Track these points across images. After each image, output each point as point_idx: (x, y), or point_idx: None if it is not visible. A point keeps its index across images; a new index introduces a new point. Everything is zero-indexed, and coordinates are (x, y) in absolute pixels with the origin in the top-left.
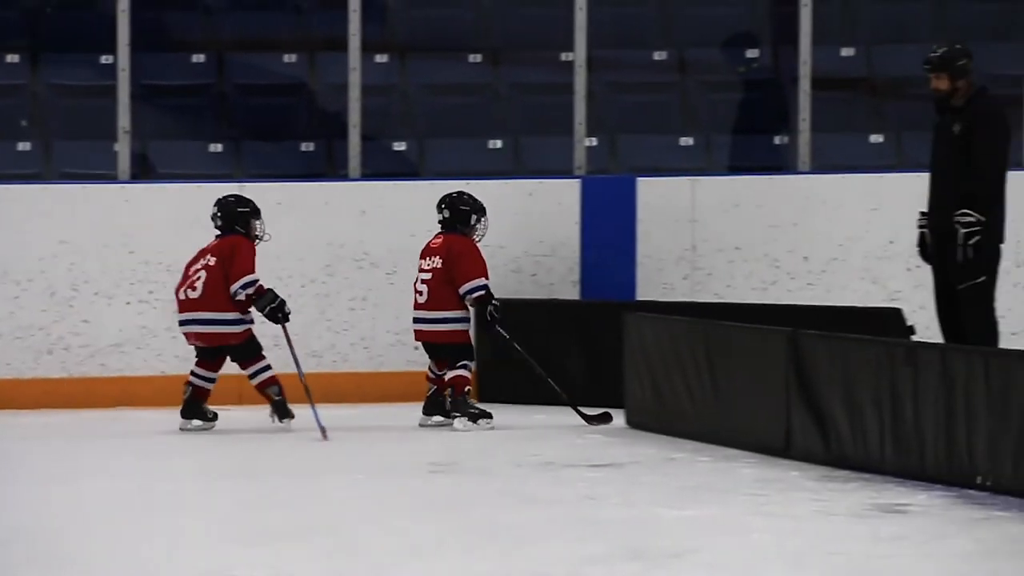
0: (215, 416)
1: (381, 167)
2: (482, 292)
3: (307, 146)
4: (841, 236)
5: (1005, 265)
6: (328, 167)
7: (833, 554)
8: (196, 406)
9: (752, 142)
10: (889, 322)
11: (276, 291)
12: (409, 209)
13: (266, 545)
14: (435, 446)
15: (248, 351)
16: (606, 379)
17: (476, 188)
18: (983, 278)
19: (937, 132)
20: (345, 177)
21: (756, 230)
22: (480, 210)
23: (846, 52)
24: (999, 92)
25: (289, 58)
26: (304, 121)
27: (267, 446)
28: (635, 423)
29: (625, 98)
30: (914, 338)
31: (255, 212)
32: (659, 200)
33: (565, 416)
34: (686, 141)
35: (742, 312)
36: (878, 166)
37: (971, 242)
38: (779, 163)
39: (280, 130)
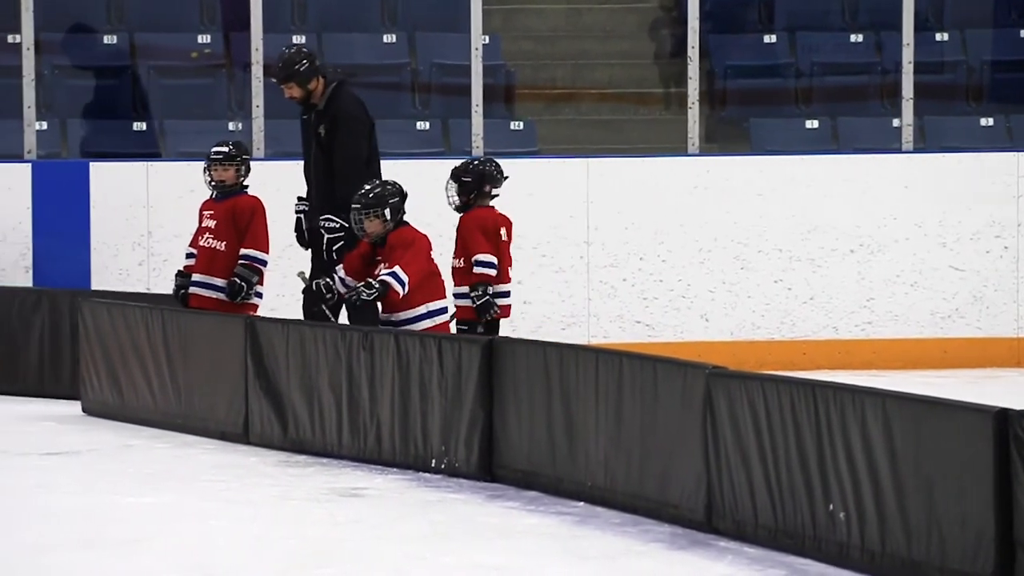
0: None
1: None
2: None
3: None
4: None
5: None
6: None
7: (291, 539)
8: None
9: (203, 127)
10: None
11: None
12: None
13: None
14: None
15: None
16: (62, 367)
17: None
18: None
19: (304, 131)
20: None
21: None
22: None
23: (297, 39)
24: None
25: None
26: None
27: None
28: (92, 410)
29: (75, 82)
30: None
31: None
32: (114, 185)
33: (19, 405)
34: (139, 126)
35: None
36: None
37: (335, 247)
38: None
39: None
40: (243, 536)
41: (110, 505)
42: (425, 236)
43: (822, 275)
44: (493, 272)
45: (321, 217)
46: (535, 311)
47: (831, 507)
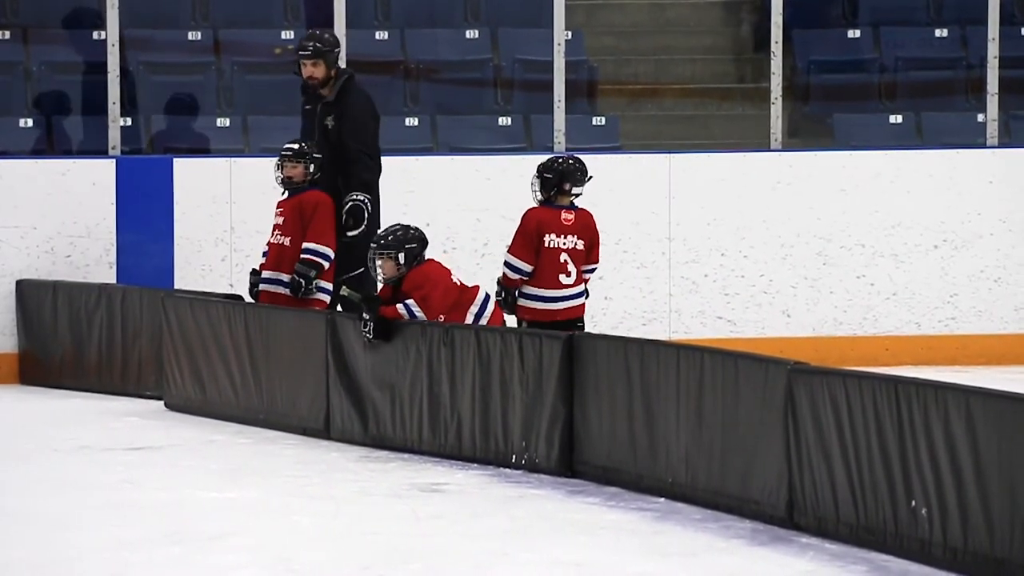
0: None
1: None
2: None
3: None
4: None
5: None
6: None
7: (372, 534)
8: None
9: (286, 123)
10: None
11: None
12: None
13: None
14: None
15: None
16: (145, 361)
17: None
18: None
19: (306, 122)
20: None
21: None
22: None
23: (380, 35)
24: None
25: None
26: None
27: None
28: (175, 406)
29: (160, 78)
30: None
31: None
32: (197, 181)
33: (103, 402)
34: (223, 122)
35: None
36: (417, 149)
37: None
38: None
39: None
40: (325, 531)
41: (193, 500)
42: (440, 274)
43: (905, 271)
44: (512, 274)
45: (352, 194)
46: (616, 307)
47: (913, 503)
